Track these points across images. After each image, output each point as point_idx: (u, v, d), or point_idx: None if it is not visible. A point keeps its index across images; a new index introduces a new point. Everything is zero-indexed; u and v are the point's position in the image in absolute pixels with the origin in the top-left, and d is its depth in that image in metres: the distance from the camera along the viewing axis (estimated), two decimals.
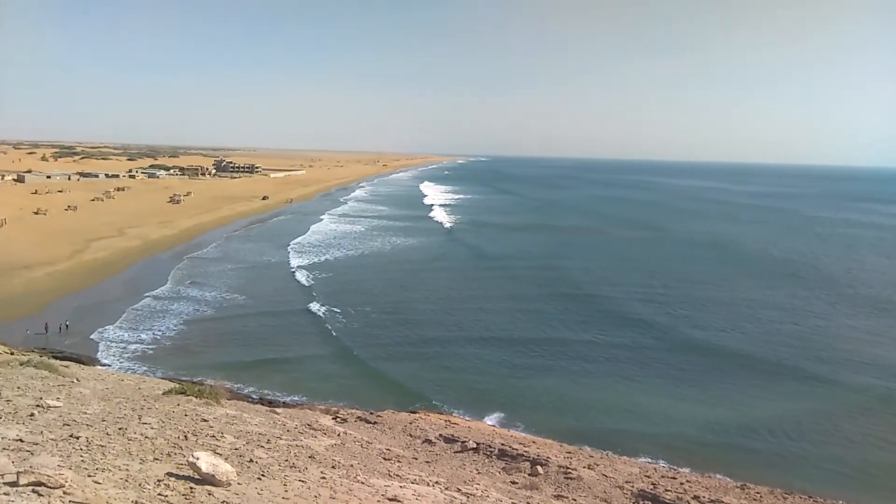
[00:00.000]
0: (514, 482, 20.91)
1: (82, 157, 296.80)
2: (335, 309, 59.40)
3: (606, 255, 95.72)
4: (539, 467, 23.32)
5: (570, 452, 27.81)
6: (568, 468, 23.82)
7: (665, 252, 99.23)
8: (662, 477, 25.45)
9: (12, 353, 24.59)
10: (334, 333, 52.78)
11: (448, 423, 30.14)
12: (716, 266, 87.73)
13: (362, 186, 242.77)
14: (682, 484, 24.65)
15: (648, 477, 25.09)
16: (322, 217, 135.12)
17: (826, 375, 45.20)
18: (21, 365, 16.59)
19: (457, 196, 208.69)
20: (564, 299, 66.16)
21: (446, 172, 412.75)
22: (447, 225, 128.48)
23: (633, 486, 22.97)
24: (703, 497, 23.08)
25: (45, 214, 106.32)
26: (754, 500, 24.89)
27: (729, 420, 37.92)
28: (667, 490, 23.18)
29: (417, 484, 14.15)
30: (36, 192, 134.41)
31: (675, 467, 29.44)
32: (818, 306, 65.53)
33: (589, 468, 24.56)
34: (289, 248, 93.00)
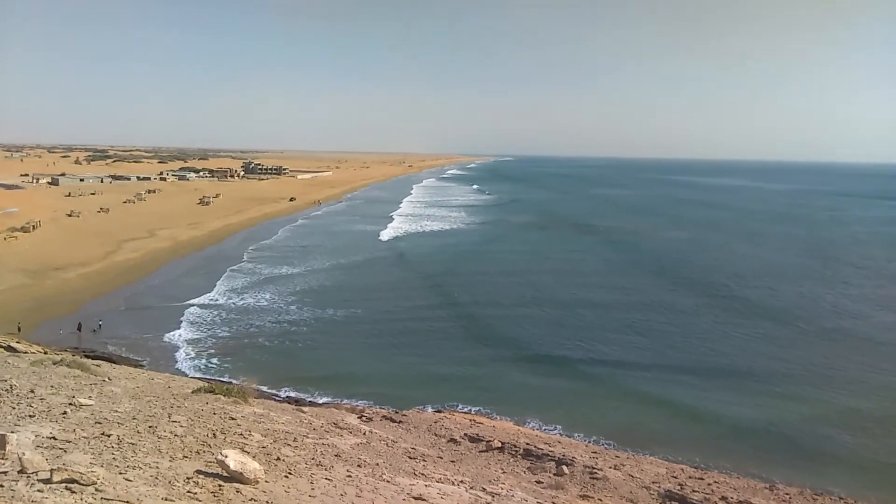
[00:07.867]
0: (539, 482, 20.89)
1: (114, 161, 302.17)
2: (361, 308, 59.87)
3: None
4: (564, 467, 23.26)
5: (595, 452, 27.69)
6: (594, 468, 23.72)
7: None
8: (690, 477, 25.18)
9: (46, 353, 25.21)
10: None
11: (473, 422, 30.18)
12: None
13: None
14: (709, 484, 24.37)
15: (675, 477, 24.86)
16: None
17: (860, 376, 44.34)
18: (54, 364, 16.96)
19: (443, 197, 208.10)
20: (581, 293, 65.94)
21: (452, 173, 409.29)
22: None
23: (659, 487, 22.80)
24: (731, 498, 22.81)
25: (78, 216, 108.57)
26: (783, 500, 24.52)
27: (759, 420, 37.30)
28: (694, 490, 22.97)
29: (442, 483, 14.20)
30: (70, 195, 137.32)
31: (703, 468, 29.03)
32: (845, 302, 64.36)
33: (615, 468, 24.43)
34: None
